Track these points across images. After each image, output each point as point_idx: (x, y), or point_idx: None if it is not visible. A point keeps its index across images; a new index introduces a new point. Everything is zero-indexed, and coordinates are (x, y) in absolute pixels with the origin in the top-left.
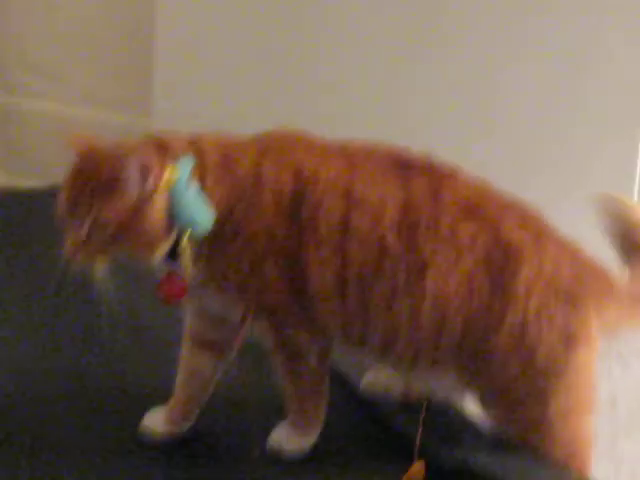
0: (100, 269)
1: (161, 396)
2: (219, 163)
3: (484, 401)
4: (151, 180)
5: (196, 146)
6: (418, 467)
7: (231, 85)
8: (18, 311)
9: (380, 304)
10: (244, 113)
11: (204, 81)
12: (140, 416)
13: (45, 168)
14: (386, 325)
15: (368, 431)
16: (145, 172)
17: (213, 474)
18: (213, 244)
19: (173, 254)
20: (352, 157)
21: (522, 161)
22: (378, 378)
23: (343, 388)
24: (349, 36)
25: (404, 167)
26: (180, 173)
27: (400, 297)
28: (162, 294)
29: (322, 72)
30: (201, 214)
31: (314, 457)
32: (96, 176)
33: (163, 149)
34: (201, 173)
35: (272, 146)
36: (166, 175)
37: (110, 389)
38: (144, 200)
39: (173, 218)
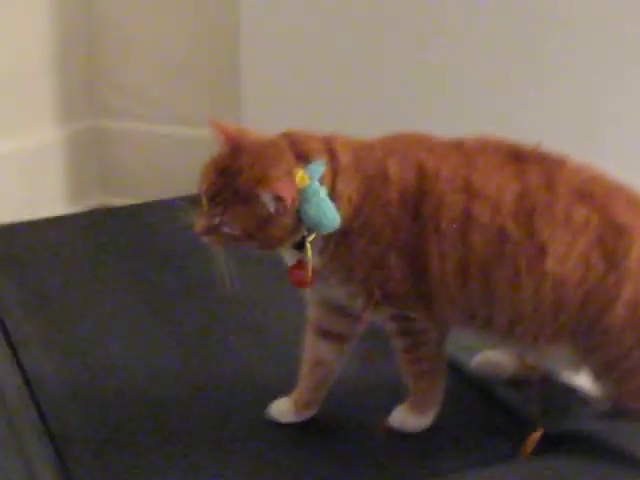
0: (222, 255)
1: (282, 389)
2: (350, 164)
3: (598, 374)
4: (283, 205)
5: (329, 147)
6: (537, 436)
7: (319, 99)
8: (145, 315)
9: (504, 288)
10: (333, 126)
11: (291, 96)
12: (263, 407)
13: (137, 186)
14: (510, 307)
15: (481, 409)
16: (279, 201)
17: (337, 459)
18: (341, 239)
19: (300, 245)
20: (468, 153)
21: None
22: (487, 359)
23: (453, 369)
24: (450, 40)
25: (517, 158)
26: (311, 178)
27: (522, 280)
28: (292, 279)
29: (410, 79)
30: (328, 217)
31: (431, 436)
32: (235, 185)
33: (299, 152)
34: (333, 174)
35: (396, 147)
36: (297, 180)
37: (234, 383)
38: (274, 218)
39: (301, 219)
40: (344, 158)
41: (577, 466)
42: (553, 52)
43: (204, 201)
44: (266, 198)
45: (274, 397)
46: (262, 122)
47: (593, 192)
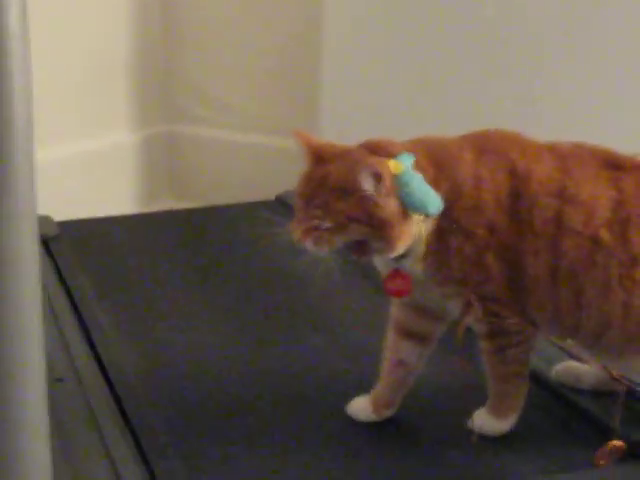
0: (328, 257)
1: (359, 387)
2: (434, 173)
3: None
4: (383, 185)
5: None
6: (617, 445)
7: (398, 107)
8: (227, 312)
9: (593, 295)
10: (411, 134)
11: (371, 106)
12: (339, 406)
13: (210, 193)
14: (599, 315)
15: (561, 417)
16: (378, 179)
17: (415, 459)
18: (437, 240)
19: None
20: (563, 157)
21: None
22: (568, 369)
23: (533, 377)
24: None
25: (613, 167)
26: (404, 164)
27: (613, 289)
28: (389, 290)
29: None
30: (430, 197)
31: (510, 441)
32: (329, 184)
33: (382, 153)
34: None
35: (487, 148)
36: (392, 169)
37: (310, 378)
38: (376, 200)
39: (405, 206)
40: (428, 169)
41: None
42: None
43: (300, 207)
44: (365, 177)
45: (351, 395)
46: (340, 131)
47: None
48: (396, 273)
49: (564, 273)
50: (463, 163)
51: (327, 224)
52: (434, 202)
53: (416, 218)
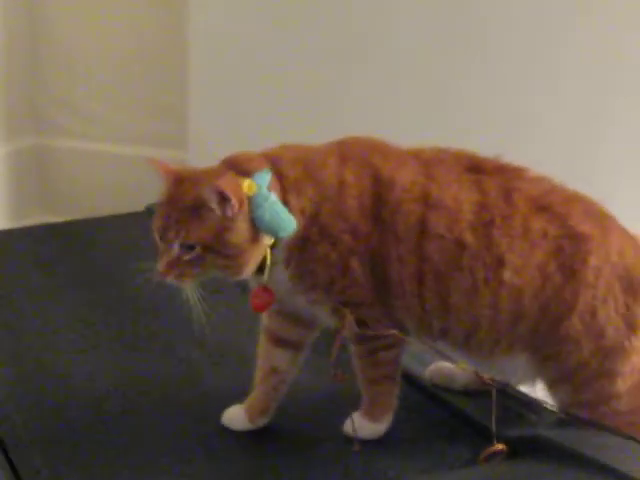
0: (190, 288)
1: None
2: (300, 177)
3: (552, 384)
4: (230, 205)
5: (274, 165)
6: (499, 448)
7: (268, 114)
8: (87, 324)
9: (460, 299)
10: (281, 140)
11: (240, 113)
12: (217, 414)
13: (80, 205)
14: (467, 317)
15: (435, 417)
16: (223, 198)
17: (289, 467)
18: (301, 248)
19: (261, 269)
20: (426, 162)
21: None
22: (441, 370)
23: (407, 379)
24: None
25: (476, 170)
26: (258, 185)
27: (480, 291)
28: (253, 305)
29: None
30: (283, 219)
31: (385, 442)
32: (181, 204)
33: (242, 171)
34: (283, 191)
35: (351, 154)
36: (245, 189)
37: (190, 393)
38: (227, 223)
39: (257, 228)
40: (293, 173)
41: (531, 470)
42: None
43: (159, 239)
44: (208, 194)
45: (224, 405)
46: (208, 140)
47: (551, 203)
48: (259, 290)
49: (429, 279)
50: (328, 168)
51: (186, 257)
52: (286, 226)
53: (266, 239)
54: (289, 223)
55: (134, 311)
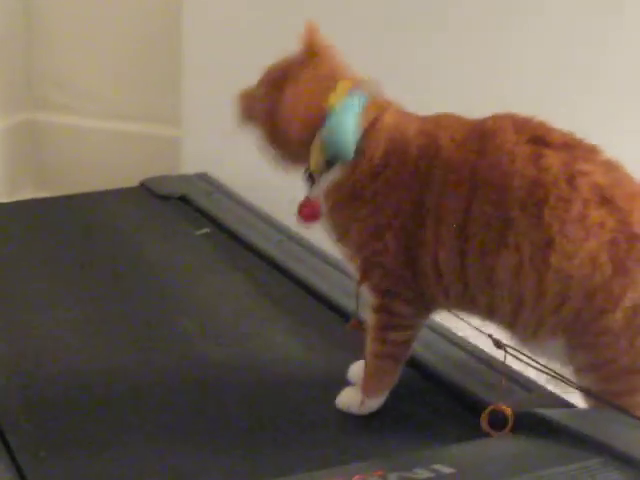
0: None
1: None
2: (392, 128)
3: (582, 370)
4: None
5: (383, 106)
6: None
7: None
8: (92, 299)
9: (506, 275)
10: None
11: (234, 89)
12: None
13: (74, 181)
14: (513, 295)
15: (429, 393)
16: None
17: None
18: (346, 200)
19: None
20: (485, 135)
21: None
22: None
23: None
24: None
25: (540, 141)
26: (345, 101)
27: (525, 269)
28: (301, 216)
29: None
30: (345, 140)
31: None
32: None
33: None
34: (371, 124)
35: (428, 125)
36: (332, 99)
37: (177, 365)
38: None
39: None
40: (390, 120)
41: (530, 445)
42: None
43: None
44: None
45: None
46: (203, 117)
47: (616, 196)
48: (307, 201)
49: (473, 255)
50: (407, 133)
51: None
52: (344, 148)
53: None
54: (347, 146)
55: (128, 286)
